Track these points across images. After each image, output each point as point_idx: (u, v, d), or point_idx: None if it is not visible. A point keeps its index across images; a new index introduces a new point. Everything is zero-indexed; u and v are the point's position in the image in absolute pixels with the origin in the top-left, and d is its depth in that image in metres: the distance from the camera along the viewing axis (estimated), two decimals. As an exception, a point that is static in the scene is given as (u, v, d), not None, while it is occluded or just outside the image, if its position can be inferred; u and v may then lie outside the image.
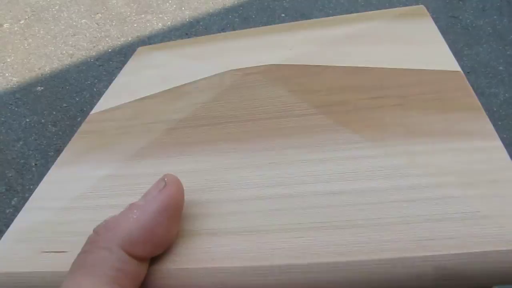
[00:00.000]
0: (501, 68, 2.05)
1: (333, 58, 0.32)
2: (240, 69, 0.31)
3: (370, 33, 0.35)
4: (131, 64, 0.43)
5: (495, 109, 1.88)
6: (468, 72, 2.02)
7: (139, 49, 0.46)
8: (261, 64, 0.31)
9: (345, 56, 0.32)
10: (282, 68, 0.31)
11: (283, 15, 2.22)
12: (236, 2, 2.27)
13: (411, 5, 0.39)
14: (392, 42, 0.33)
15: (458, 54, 2.07)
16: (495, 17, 2.28)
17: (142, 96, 0.34)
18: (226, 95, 0.30)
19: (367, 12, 0.38)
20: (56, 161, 0.31)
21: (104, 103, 0.36)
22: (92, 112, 0.35)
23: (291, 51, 0.34)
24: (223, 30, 2.14)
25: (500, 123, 1.84)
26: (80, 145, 0.31)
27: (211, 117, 0.29)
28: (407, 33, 0.34)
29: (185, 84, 0.33)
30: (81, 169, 0.29)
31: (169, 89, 0.34)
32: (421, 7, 0.38)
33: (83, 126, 0.33)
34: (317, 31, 0.37)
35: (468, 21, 2.24)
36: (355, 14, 0.39)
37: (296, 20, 1.92)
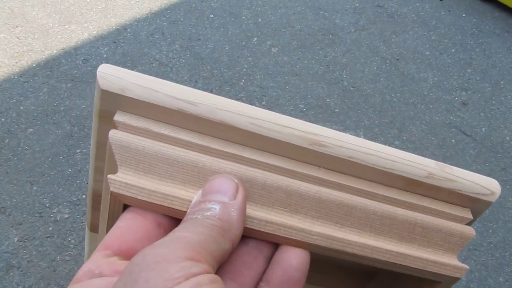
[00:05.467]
0: (427, 53, 2.12)
1: None
2: None
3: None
4: None
5: (425, 93, 1.94)
6: (397, 59, 2.08)
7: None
8: None
9: None
10: None
11: (211, 15, 2.19)
12: (162, 6, 2.22)
13: None
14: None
15: (387, 42, 2.13)
16: (417, 4, 2.35)
17: None
18: None
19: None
20: None
21: None
22: None
23: None
24: (151, 35, 2.08)
25: (431, 106, 1.91)
26: None
27: None
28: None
29: None
30: None
31: None
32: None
33: None
34: None
35: (393, 9, 2.30)
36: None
37: (225, 20, 1.89)
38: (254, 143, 0.27)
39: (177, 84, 0.27)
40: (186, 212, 0.25)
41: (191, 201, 0.25)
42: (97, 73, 0.27)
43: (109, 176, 0.26)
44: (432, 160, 0.30)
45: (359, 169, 0.28)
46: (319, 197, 0.27)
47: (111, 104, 0.27)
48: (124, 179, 0.26)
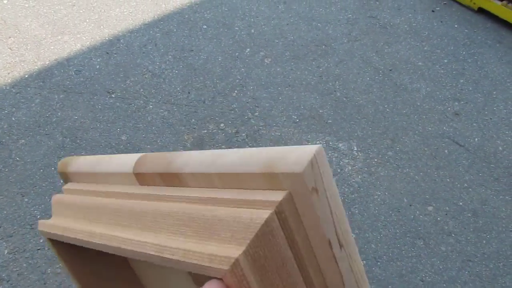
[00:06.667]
0: (420, 63, 2.13)
1: None
2: None
3: None
4: None
5: (418, 104, 1.94)
6: (390, 70, 2.08)
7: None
8: None
9: None
10: None
11: (205, 26, 2.19)
12: (155, 17, 2.23)
13: None
14: None
15: (379, 53, 2.13)
16: (410, 15, 2.37)
17: None
18: None
19: None
20: None
21: None
22: None
23: None
24: (144, 46, 2.08)
25: (424, 117, 1.91)
26: None
27: None
28: None
29: None
30: None
31: None
32: None
33: None
34: None
35: (386, 20, 2.31)
36: None
37: (218, 31, 1.89)
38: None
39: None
40: (90, 242, 0.34)
41: (91, 232, 0.35)
42: None
43: (40, 221, 0.39)
44: None
45: None
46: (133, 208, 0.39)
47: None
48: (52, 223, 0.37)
